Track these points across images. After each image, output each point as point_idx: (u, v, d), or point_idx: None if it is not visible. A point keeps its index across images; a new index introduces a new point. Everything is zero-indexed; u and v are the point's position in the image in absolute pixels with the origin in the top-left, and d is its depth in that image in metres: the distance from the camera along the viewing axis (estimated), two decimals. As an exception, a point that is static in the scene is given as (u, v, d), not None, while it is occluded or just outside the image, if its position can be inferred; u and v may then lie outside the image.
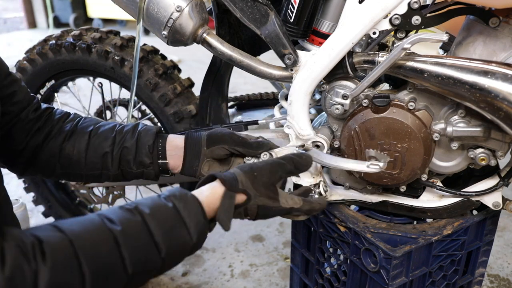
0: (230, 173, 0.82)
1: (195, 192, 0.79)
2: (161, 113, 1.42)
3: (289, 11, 1.00)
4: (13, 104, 0.94)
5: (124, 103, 1.72)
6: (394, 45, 0.95)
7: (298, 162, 0.88)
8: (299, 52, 1.01)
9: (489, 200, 1.06)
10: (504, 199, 1.07)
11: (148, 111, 1.55)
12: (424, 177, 1.06)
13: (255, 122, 1.23)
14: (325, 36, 1.00)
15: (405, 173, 1.02)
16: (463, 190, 1.07)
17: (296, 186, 1.20)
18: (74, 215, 1.82)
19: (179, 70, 1.52)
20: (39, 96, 1.57)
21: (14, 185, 2.45)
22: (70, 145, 1.00)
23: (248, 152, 0.98)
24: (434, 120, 1.00)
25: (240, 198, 0.81)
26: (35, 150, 0.98)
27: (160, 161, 1.01)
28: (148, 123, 1.74)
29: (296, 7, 0.98)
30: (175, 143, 1.01)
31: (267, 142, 0.99)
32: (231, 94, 1.43)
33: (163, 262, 0.71)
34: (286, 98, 1.11)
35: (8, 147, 0.97)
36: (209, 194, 0.80)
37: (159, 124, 1.47)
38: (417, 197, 1.12)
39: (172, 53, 4.17)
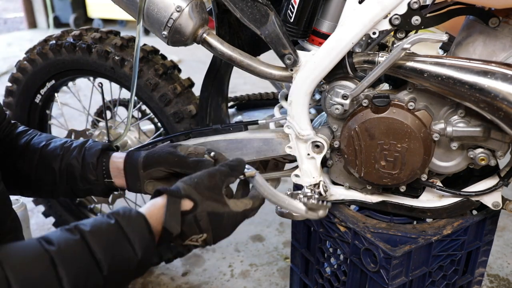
0: (174, 186, 0.83)
1: (140, 208, 0.79)
2: (161, 113, 1.42)
3: (289, 11, 1.00)
4: None
5: (124, 103, 1.72)
6: (394, 45, 0.95)
7: (232, 165, 0.90)
8: (299, 52, 1.01)
9: (489, 200, 1.06)
10: (504, 199, 1.08)
11: (148, 111, 1.54)
12: (424, 177, 1.06)
13: (255, 122, 1.23)
14: (325, 36, 1.00)
15: (405, 173, 1.02)
16: (463, 190, 1.07)
17: (297, 186, 1.20)
18: (74, 215, 1.82)
19: (179, 70, 1.52)
20: (39, 97, 1.58)
21: (14, 185, 2.45)
22: (21, 162, 1.01)
23: (187, 172, 0.96)
24: (434, 120, 1.00)
25: (186, 204, 0.80)
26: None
27: (106, 180, 1.01)
28: (148, 123, 1.74)
29: (296, 7, 0.99)
30: (116, 164, 1.01)
31: (208, 161, 0.98)
32: (231, 94, 1.43)
33: (105, 279, 0.68)
34: (286, 98, 1.11)
35: None
36: (152, 206, 0.79)
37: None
38: (417, 197, 1.12)
39: (172, 53, 4.17)
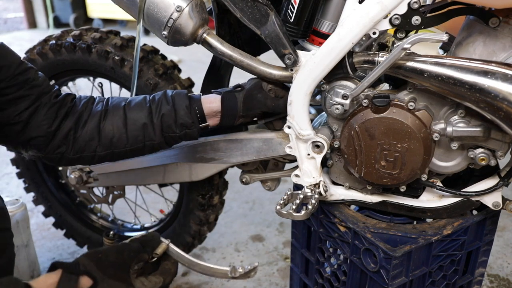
0: (74, 260, 0.81)
1: (32, 281, 0.76)
2: (161, 113, 1.42)
3: (289, 11, 1.00)
4: (31, 88, 0.95)
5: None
6: (394, 45, 0.95)
7: (144, 241, 0.89)
8: (299, 52, 1.01)
9: (489, 200, 1.06)
10: (504, 199, 1.07)
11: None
12: (424, 177, 1.06)
13: (255, 122, 1.23)
14: (325, 36, 1.00)
15: (405, 173, 1.02)
16: (463, 190, 1.07)
17: (297, 186, 1.20)
18: (74, 215, 1.82)
19: (179, 70, 1.52)
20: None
21: (14, 185, 2.45)
22: (108, 124, 1.01)
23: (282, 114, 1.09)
24: (434, 120, 1.00)
25: (85, 282, 0.77)
26: (69, 134, 0.99)
27: (201, 125, 1.05)
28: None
29: (296, 7, 0.99)
30: (211, 108, 1.06)
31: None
32: (231, 94, 1.43)
33: None
34: (286, 98, 1.11)
35: (36, 133, 0.97)
36: (43, 281, 0.76)
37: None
38: (417, 197, 1.12)
39: (172, 53, 4.18)
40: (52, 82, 1.55)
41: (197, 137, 1.09)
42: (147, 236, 0.93)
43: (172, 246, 0.99)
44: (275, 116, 1.14)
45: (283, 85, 1.09)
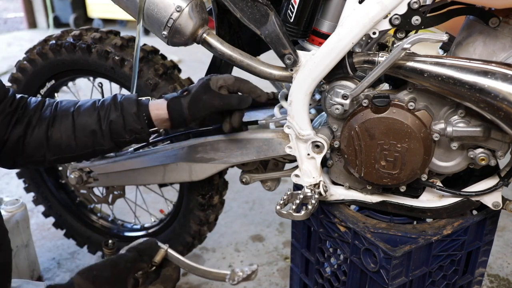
0: (68, 281, 0.80)
1: None
2: (161, 113, 1.42)
3: (289, 11, 1.00)
4: None
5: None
6: (394, 45, 0.95)
7: (142, 249, 0.88)
8: (299, 52, 1.01)
9: (489, 200, 1.06)
10: (504, 199, 1.07)
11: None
12: (424, 177, 1.06)
13: (255, 122, 1.23)
14: (325, 36, 1.00)
15: (405, 173, 1.02)
16: (463, 190, 1.07)
17: (297, 186, 1.20)
18: (74, 215, 1.82)
19: (179, 70, 1.52)
20: (39, 97, 1.57)
21: (14, 185, 2.45)
22: (56, 130, 1.01)
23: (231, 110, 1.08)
24: (434, 120, 1.00)
25: None
26: (18, 141, 0.99)
27: (151, 129, 1.05)
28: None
29: (296, 7, 0.98)
30: (159, 115, 1.05)
31: (248, 98, 1.07)
32: (231, 94, 1.43)
33: None
34: (286, 98, 1.11)
35: None
36: None
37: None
38: (417, 197, 1.12)
39: (172, 53, 4.18)
40: (47, 87, 1.56)
41: (148, 140, 1.10)
42: (144, 243, 0.92)
43: (170, 251, 0.98)
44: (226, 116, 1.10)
45: (238, 78, 1.08)
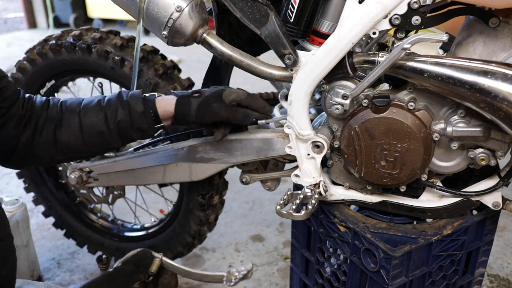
0: None
1: None
2: (161, 113, 1.42)
3: (289, 11, 1.00)
4: (3, 100, 0.94)
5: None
6: (394, 45, 0.95)
7: (137, 260, 0.89)
8: (299, 52, 1.01)
9: (489, 200, 1.06)
10: (504, 199, 1.07)
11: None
12: (424, 177, 1.06)
13: (255, 122, 1.23)
14: (325, 36, 1.00)
15: (405, 173, 1.02)
16: (463, 190, 1.07)
17: (297, 186, 1.20)
18: (74, 215, 1.82)
19: (179, 70, 1.52)
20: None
21: (14, 185, 2.45)
22: (64, 132, 1.01)
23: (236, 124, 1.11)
24: (434, 120, 1.00)
25: None
26: (27, 144, 0.99)
27: (156, 125, 1.06)
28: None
29: (296, 7, 0.98)
30: (165, 112, 1.06)
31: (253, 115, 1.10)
32: (231, 94, 1.43)
33: None
34: (286, 98, 1.11)
35: (4, 147, 0.97)
36: None
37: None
38: (417, 197, 1.12)
39: (172, 53, 4.17)
40: (47, 87, 1.55)
41: (153, 135, 1.12)
42: (138, 255, 0.93)
43: (165, 259, 0.99)
44: (227, 126, 1.12)
45: (250, 95, 1.09)
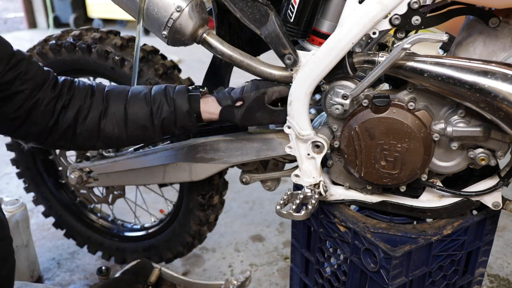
0: None
1: None
2: (161, 113, 1.42)
3: (289, 11, 1.00)
4: (23, 83, 0.93)
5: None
6: (394, 45, 0.95)
7: (136, 270, 0.89)
8: (299, 52, 1.01)
9: (489, 200, 1.06)
10: (504, 199, 1.07)
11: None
12: (424, 177, 1.06)
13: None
14: (325, 36, 1.00)
15: (405, 173, 1.02)
16: (463, 190, 1.07)
17: (297, 186, 1.20)
18: (74, 215, 1.82)
19: (179, 70, 1.52)
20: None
21: (14, 185, 2.45)
22: (109, 123, 1.03)
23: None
24: (434, 120, 1.00)
25: None
26: (68, 129, 1.00)
27: (199, 124, 1.09)
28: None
29: (296, 7, 0.98)
30: (209, 116, 1.08)
31: None
32: (231, 94, 1.43)
33: None
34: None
35: (36, 128, 0.97)
36: None
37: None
38: (417, 197, 1.12)
39: (172, 53, 4.18)
40: None
41: (195, 132, 1.14)
42: (137, 265, 0.93)
43: (164, 269, 0.99)
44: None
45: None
